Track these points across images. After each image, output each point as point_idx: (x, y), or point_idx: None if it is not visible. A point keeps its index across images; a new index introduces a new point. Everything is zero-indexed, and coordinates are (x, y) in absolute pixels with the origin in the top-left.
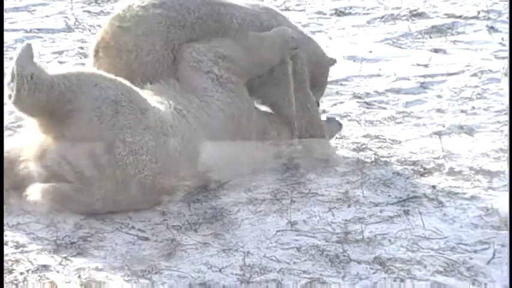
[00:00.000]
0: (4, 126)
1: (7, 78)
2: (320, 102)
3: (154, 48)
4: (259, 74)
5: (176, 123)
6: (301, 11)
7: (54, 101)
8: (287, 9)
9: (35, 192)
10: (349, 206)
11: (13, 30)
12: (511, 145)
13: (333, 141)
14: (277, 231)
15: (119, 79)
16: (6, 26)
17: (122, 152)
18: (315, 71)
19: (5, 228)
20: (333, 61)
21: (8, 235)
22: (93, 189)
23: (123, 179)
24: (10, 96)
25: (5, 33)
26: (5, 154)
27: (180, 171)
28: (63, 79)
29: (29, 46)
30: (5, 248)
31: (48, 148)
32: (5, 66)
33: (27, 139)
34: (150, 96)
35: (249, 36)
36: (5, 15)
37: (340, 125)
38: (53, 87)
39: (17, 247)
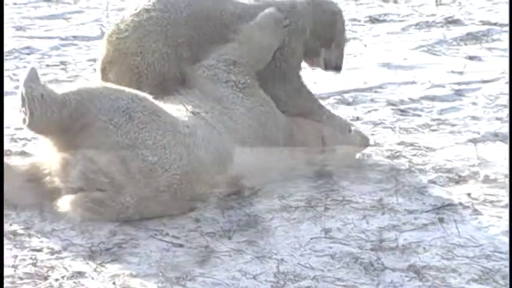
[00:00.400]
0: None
1: (17, 104)
2: (341, 60)
3: (157, 46)
4: (265, 64)
5: (192, 123)
6: None
7: (67, 118)
8: None
9: (65, 204)
10: (383, 214)
11: (48, 37)
12: (511, 145)
13: (367, 149)
14: (311, 239)
15: (127, 88)
16: (41, 33)
17: (145, 154)
18: (321, 29)
19: (39, 234)
20: (338, 9)
21: (43, 241)
22: (124, 196)
23: (151, 180)
24: (24, 120)
25: (41, 41)
26: (27, 168)
27: (211, 175)
28: (74, 95)
29: (33, 69)
30: (40, 254)
31: (70, 162)
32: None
33: (47, 154)
34: (164, 104)
35: (242, 29)
36: (41, 22)
37: (367, 139)
38: (65, 104)
39: (52, 253)
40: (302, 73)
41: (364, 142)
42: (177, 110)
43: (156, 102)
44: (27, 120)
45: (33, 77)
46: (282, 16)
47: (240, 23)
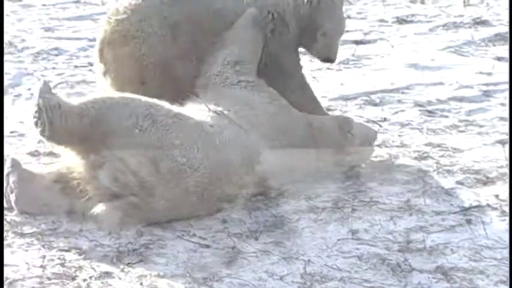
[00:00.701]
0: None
1: (33, 117)
2: (337, 47)
3: (154, 30)
4: (257, 59)
5: (217, 122)
6: (363, 19)
7: (88, 126)
8: (348, 17)
9: (99, 208)
10: (410, 215)
11: (76, 38)
12: (511, 145)
13: (394, 150)
14: (338, 240)
15: (143, 97)
16: (69, 34)
17: (174, 154)
18: (302, 19)
19: (67, 235)
20: None
21: (71, 242)
22: (154, 198)
23: (180, 181)
24: (43, 131)
25: (69, 42)
26: (55, 169)
27: (239, 176)
28: (91, 104)
29: (46, 82)
30: (68, 254)
31: (99, 165)
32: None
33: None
34: (184, 107)
35: (226, 33)
36: (69, 23)
37: (375, 133)
38: (84, 113)
39: (79, 254)
40: (306, 72)
41: (367, 142)
42: (198, 110)
43: (175, 106)
44: (47, 130)
45: (47, 89)
46: (257, 13)
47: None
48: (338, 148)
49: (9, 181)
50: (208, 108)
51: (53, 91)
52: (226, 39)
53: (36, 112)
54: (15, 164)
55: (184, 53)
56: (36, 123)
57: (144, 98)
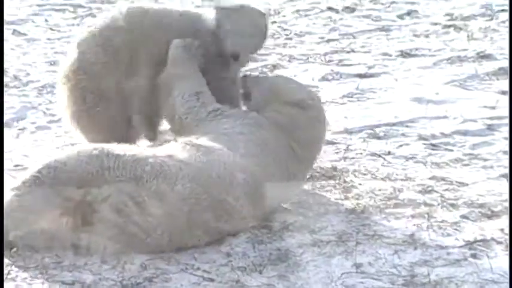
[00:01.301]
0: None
1: None
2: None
3: (97, 58)
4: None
5: (208, 157)
6: (367, 52)
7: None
8: (352, 50)
9: (99, 238)
10: (415, 249)
11: None
12: (511, 146)
13: (398, 183)
14: (342, 274)
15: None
16: None
17: (178, 188)
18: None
19: (71, 268)
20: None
21: (75, 275)
22: (157, 229)
23: (184, 213)
24: None
25: None
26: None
27: (242, 208)
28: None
29: None
30: None
31: (101, 202)
32: None
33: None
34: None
35: (167, 73)
36: None
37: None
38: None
39: (83, 287)
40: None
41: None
42: (185, 150)
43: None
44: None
45: None
46: (182, 42)
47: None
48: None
49: (9, 213)
50: (193, 145)
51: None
52: (170, 80)
53: None
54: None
55: (126, 74)
56: None
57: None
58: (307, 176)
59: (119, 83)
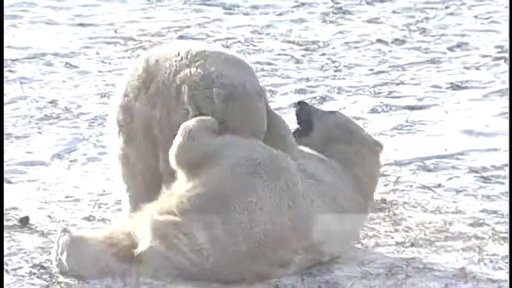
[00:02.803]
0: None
1: None
2: None
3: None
4: None
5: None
6: (416, 84)
7: None
8: (402, 82)
9: (148, 269)
10: (466, 282)
11: None
12: (511, 146)
13: (449, 216)
14: None
15: None
16: None
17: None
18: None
19: None
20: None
21: None
22: (206, 262)
23: (236, 244)
24: None
25: None
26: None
27: (292, 240)
28: None
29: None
30: None
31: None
32: None
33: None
34: None
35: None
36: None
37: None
38: None
39: None
40: None
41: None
42: None
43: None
44: None
45: None
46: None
47: None
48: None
49: (60, 243)
50: None
51: None
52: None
53: None
54: (67, 229)
55: None
56: None
57: None
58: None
59: None
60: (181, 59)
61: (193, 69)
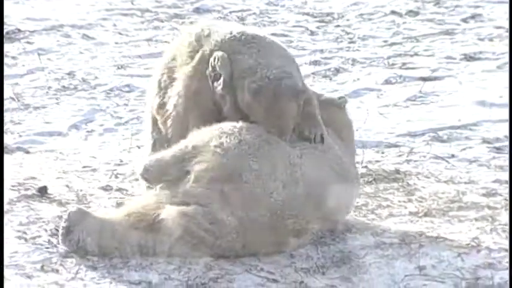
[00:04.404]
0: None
1: None
2: None
3: None
4: None
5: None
6: (430, 56)
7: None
8: (415, 54)
9: (169, 242)
10: (478, 252)
11: (148, 76)
12: (511, 147)
13: (462, 186)
14: (405, 276)
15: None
16: (141, 71)
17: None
18: None
19: (138, 268)
20: None
21: (142, 275)
22: (226, 232)
23: (253, 210)
24: None
25: (140, 79)
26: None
27: (308, 209)
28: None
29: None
30: (138, 287)
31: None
32: None
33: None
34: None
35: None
36: (141, 61)
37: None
38: None
39: (149, 287)
40: None
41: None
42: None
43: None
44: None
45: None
46: None
47: None
48: None
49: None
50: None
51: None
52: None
53: None
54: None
55: None
56: None
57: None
58: (371, 179)
59: None
60: (234, 39)
61: (239, 56)
